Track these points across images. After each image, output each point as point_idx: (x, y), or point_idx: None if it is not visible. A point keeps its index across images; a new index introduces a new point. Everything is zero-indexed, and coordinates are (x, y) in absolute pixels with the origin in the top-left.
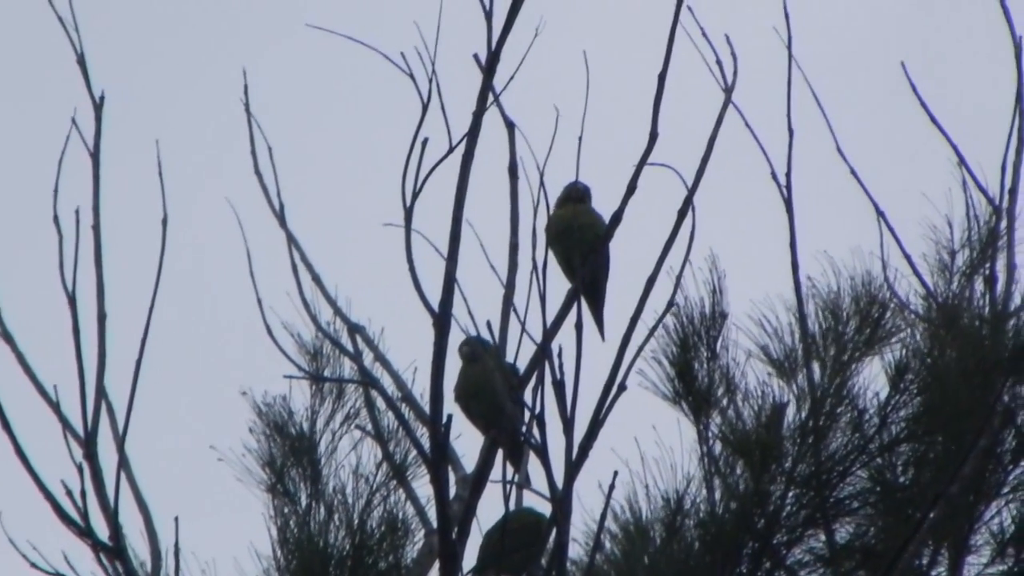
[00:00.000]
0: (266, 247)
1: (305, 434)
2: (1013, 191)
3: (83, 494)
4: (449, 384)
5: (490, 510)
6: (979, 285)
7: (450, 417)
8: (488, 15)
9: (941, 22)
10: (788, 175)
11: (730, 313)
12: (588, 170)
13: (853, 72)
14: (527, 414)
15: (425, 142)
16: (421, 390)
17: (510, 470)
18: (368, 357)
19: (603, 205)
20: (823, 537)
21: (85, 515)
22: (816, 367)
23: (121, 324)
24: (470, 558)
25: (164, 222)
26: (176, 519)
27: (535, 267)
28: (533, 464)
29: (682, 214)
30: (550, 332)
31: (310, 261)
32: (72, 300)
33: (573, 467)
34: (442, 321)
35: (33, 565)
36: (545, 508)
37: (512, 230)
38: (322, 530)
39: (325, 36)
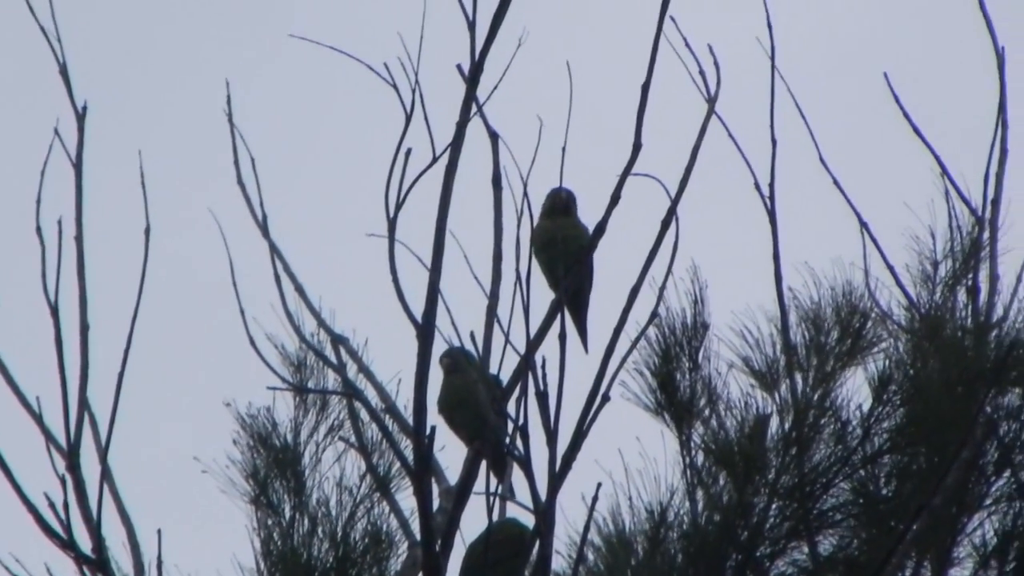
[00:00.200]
0: (249, 258)
1: (289, 446)
2: (996, 202)
3: (66, 506)
4: (433, 396)
5: (474, 522)
6: (962, 296)
7: (434, 429)
8: (471, 25)
9: (923, 33)
10: (771, 185)
11: (712, 324)
12: (572, 179)
13: (836, 83)
14: (511, 425)
15: (408, 152)
16: (405, 402)
17: (494, 482)
18: (352, 368)
19: (587, 215)
20: (806, 549)
21: (68, 527)
22: (799, 378)
23: (104, 335)
24: (453, 570)
25: (147, 232)
26: (159, 531)
27: (519, 278)
28: (516, 476)
29: (665, 224)
30: (534, 343)
31: (293, 272)
32: (55, 311)
33: (556, 479)
34: (426, 332)
35: None
36: (528, 520)
37: (496, 240)
38: (306, 542)
39: (308, 46)
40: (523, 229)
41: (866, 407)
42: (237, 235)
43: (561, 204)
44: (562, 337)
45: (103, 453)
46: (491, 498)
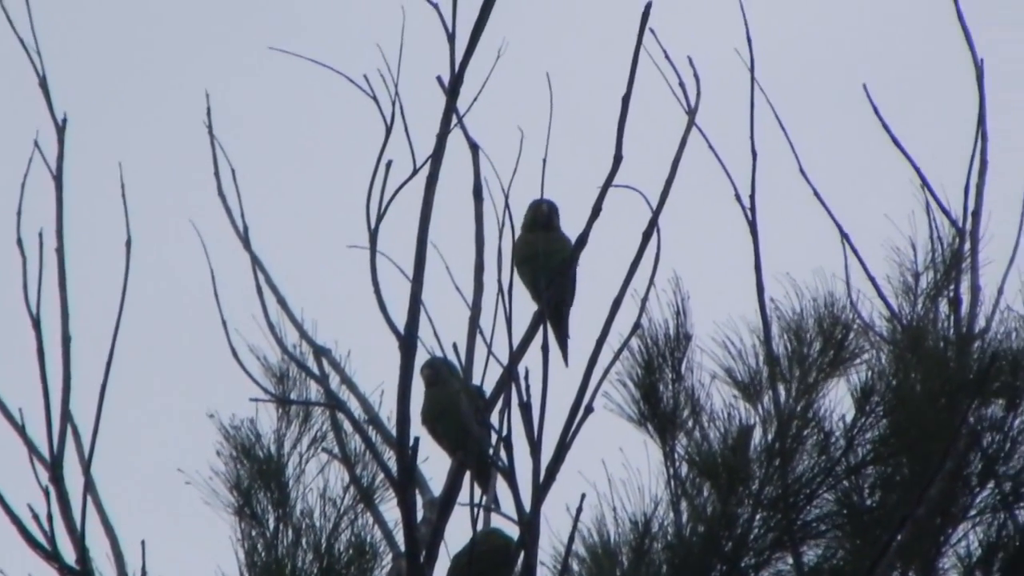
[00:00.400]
0: (231, 269)
1: (272, 457)
2: (976, 213)
3: (49, 518)
4: (416, 407)
5: (458, 533)
6: (943, 307)
7: (417, 440)
8: (451, 37)
9: (903, 45)
10: (752, 197)
11: (695, 335)
12: (553, 192)
13: (815, 94)
14: (494, 437)
15: (389, 164)
16: (388, 413)
17: (478, 493)
18: (334, 380)
19: (568, 227)
20: (790, 560)
21: (52, 539)
22: (782, 389)
23: (86, 347)
24: None
25: (128, 245)
26: (143, 542)
27: (501, 289)
28: (501, 487)
29: (647, 236)
30: (516, 354)
31: (275, 284)
32: (36, 323)
33: (541, 490)
34: (408, 343)
35: None
36: (513, 531)
37: (478, 252)
38: (289, 553)
39: (288, 59)
40: (505, 240)
41: (849, 418)
42: (218, 247)
43: (543, 218)
44: (545, 348)
45: (86, 464)
46: (475, 509)
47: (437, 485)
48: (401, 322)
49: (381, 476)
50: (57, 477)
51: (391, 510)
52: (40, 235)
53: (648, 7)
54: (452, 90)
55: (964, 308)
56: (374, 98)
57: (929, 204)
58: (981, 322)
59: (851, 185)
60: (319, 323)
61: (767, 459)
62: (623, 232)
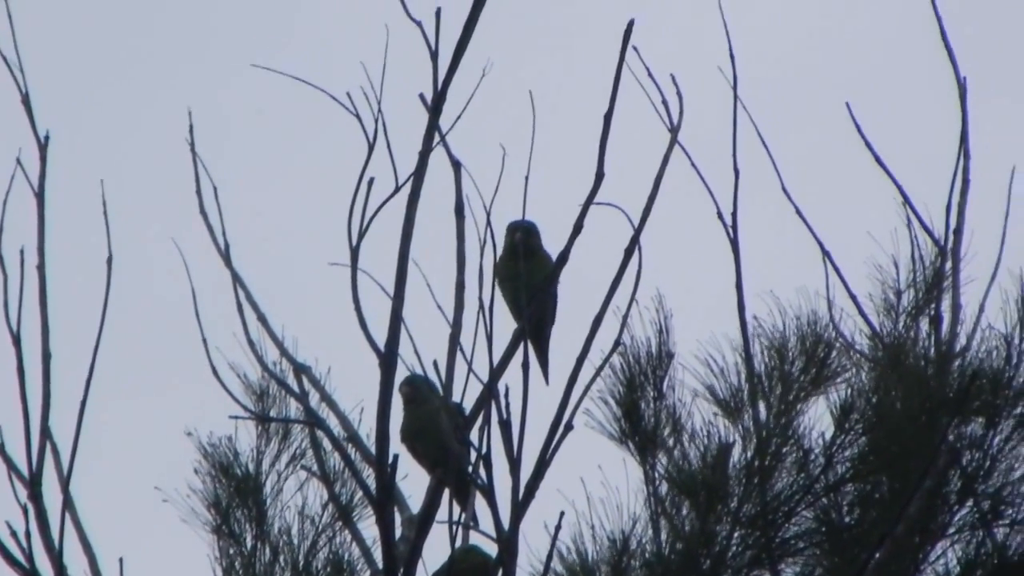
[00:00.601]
0: (211, 287)
1: (251, 475)
2: (958, 232)
3: (28, 535)
4: (395, 424)
5: (437, 551)
6: (925, 325)
7: (396, 457)
8: (434, 55)
9: (886, 63)
10: (734, 215)
11: (676, 353)
12: (535, 209)
13: (798, 112)
14: (473, 454)
15: (371, 182)
16: (367, 430)
17: (457, 510)
18: (314, 397)
19: (550, 244)
20: None
21: (30, 556)
22: (762, 407)
23: (66, 364)
24: None
25: (109, 262)
26: (121, 560)
27: (482, 307)
28: (480, 504)
29: (629, 253)
30: (497, 372)
31: (255, 301)
32: (16, 340)
33: (520, 507)
34: (388, 361)
35: None
36: (492, 549)
37: (459, 269)
38: (268, 571)
39: (271, 76)
40: (486, 258)
41: (829, 435)
42: (199, 264)
43: (520, 246)
44: (525, 366)
45: (65, 482)
46: (454, 527)
47: (416, 503)
48: (382, 339)
49: (360, 494)
50: (36, 494)
51: (370, 528)
52: (21, 252)
53: (631, 25)
54: (435, 108)
55: (945, 326)
56: (357, 115)
57: (911, 222)
58: (962, 340)
59: (833, 203)
60: (299, 340)
61: (746, 476)
62: (605, 249)
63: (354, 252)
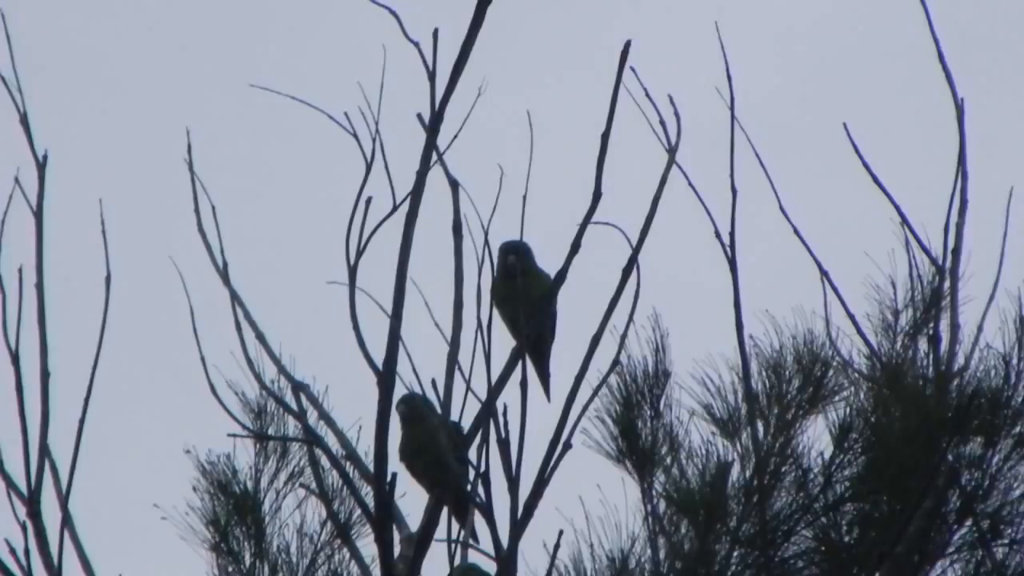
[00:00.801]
0: (210, 305)
1: (249, 492)
2: (956, 252)
3: (27, 552)
4: (394, 442)
5: (435, 570)
6: (923, 345)
7: (394, 475)
8: (431, 75)
9: (884, 84)
10: (731, 234)
11: (674, 372)
12: (532, 228)
13: (795, 132)
14: (472, 473)
15: (369, 201)
16: (366, 448)
17: (455, 529)
18: (312, 415)
19: (548, 263)
20: None
21: (29, 574)
22: (760, 426)
23: (65, 382)
24: None
25: (107, 280)
26: None
27: (480, 325)
28: (478, 523)
29: (626, 273)
30: (495, 390)
31: (254, 319)
32: (15, 358)
33: (518, 526)
34: (386, 379)
35: None
36: (490, 567)
37: (456, 288)
38: None
39: (269, 95)
40: (484, 277)
41: (827, 455)
42: (198, 283)
43: (512, 271)
44: (523, 384)
45: (64, 499)
46: (453, 545)
47: (415, 521)
48: (380, 358)
49: (358, 512)
50: (35, 512)
51: (368, 546)
52: (20, 271)
53: (628, 45)
54: (432, 127)
55: (943, 346)
56: (354, 135)
57: (909, 242)
58: (960, 360)
59: (831, 222)
60: (297, 358)
61: (745, 496)
62: (603, 269)
63: (352, 271)
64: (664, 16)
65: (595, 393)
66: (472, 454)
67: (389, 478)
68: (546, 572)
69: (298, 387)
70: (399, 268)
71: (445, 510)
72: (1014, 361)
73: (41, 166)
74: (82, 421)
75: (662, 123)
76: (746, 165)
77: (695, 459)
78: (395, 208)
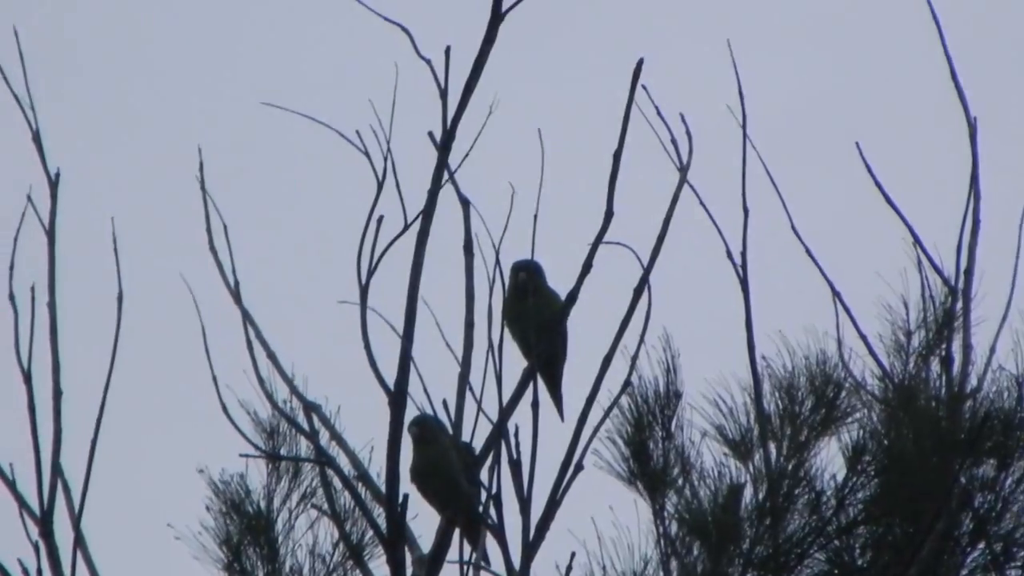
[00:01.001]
0: (221, 324)
1: (262, 512)
2: (968, 272)
3: (39, 573)
4: (405, 463)
5: None
6: (935, 366)
7: (406, 497)
8: (443, 93)
9: (896, 103)
10: (743, 254)
11: (685, 393)
12: (543, 247)
13: (807, 152)
14: (484, 494)
15: (380, 220)
16: (378, 469)
17: (467, 550)
18: (324, 436)
19: (559, 283)
20: None
21: None
22: (772, 447)
23: (77, 401)
24: None
25: (119, 299)
26: None
27: (491, 345)
28: (490, 544)
29: (638, 293)
30: (506, 411)
31: (265, 339)
32: (27, 377)
33: (530, 547)
34: (398, 399)
35: None
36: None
37: (468, 308)
38: None
39: (280, 114)
40: (495, 296)
41: (840, 477)
42: (209, 302)
43: (522, 290)
44: (535, 405)
45: (76, 519)
46: (465, 567)
47: (426, 542)
48: (391, 378)
49: (370, 533)
50: (47, 532)
51: (381, 567)
52: (32, 289)
53: (640, 63)
54: (444, 145)
55: (956, 367)
56: (366, 153)
57: (921, 262)
58: (973, 381)
59: (843, 243)
60: (309, 379)
61: (758, 518)
62: (614, 289)
63: (363, 290)
64: (677, 34)
65: (606, 414)
66: (484, 475)
67: (401, 499)
68: None
69: (310, 407)
70: (411, 287)
71: (457, 531)
72: None
73: (54, 184)
74: (94, 440)
75: (674, 142)
76: (758, 184)
77: (707, 481)
78: (407, 227)
